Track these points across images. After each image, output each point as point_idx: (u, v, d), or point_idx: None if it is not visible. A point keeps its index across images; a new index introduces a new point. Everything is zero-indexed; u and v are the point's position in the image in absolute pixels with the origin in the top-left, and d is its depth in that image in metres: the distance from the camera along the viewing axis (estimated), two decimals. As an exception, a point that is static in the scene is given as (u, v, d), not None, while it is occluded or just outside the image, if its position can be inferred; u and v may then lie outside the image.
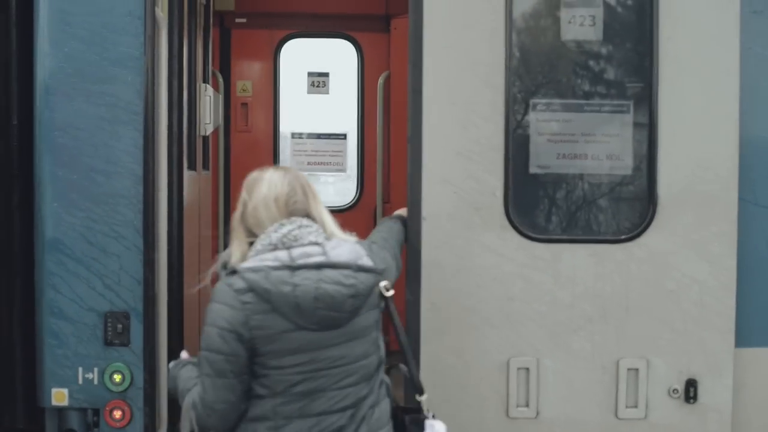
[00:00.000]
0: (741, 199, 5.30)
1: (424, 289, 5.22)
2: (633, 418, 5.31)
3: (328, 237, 4.47)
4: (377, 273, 4.45)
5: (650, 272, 5.26)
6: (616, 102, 5.32)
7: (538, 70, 5.29)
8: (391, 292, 4.47)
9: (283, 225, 4.43)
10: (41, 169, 5.35)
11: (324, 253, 4.39)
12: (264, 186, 4.47)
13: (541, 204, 5.33)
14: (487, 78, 5.20)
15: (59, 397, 5.38)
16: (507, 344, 5.27)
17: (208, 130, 7.99)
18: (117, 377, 5.35)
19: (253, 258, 4.37)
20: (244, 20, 9.32)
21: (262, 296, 4.29)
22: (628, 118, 5.32)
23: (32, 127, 5.39)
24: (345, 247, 4.45)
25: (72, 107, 5.32)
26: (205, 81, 7.96)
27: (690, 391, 5.28)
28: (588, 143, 5.31)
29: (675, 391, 5.31)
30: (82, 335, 5.36)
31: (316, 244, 4.42)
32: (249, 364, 4.33)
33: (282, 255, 4.37)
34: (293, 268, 4.34)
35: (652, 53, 5.25)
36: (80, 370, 5.38)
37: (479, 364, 5.26)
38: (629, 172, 5.33)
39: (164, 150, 5.82)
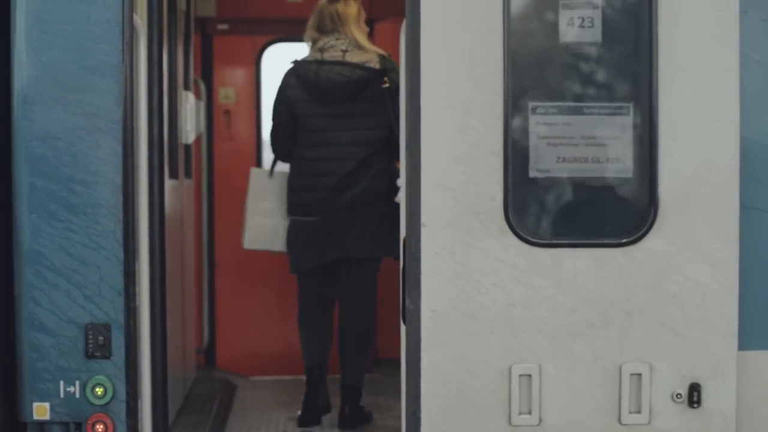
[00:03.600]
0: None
1: (425, 296, 5.20)
2: (637, 424, 5.30)
3: (354, 47, 7.18)
4: (370, 71, 7.10)
5: (652, 276, 5.26)
6: (615, 104, 5.31)
7: (536, 72, 5.29)
8: (386, 85, 7.04)
9: (322, 40, 7.22)
10: (19, 180, 5.30)
11: (343, 57, 7.17)
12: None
13: (541, 208, 5.31)
14: (485, 81, 5.19)
15: (41, 411, 5.33)
16: (508, 351, 5.25)
17: (190, 138, 7.94)
18: (99, 390, 5.30)
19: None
20: (225, 26, 9.29)
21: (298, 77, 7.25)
22: (628, 120, 5.31)
23: (10, 138, 5.32)
24: (359, 55, 7.16)
25: (50, 116, 5.28)
26: (186, 88, 7.91)
27: (693, 395, 5.27)
28: (588, 146, 5.30)
29: (678, 395, 5.30)
30: (63, 348, 5.31)
31: (343, 51, 7.19)
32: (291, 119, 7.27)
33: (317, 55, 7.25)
34: (320, 62, 7.18)
35: (651, 54, 5.24)
36: (62, 383, 5.33)
37: (481, 371, 5.24)
38: (630, 174, 5.32)
39: (144, 159, 5.78)
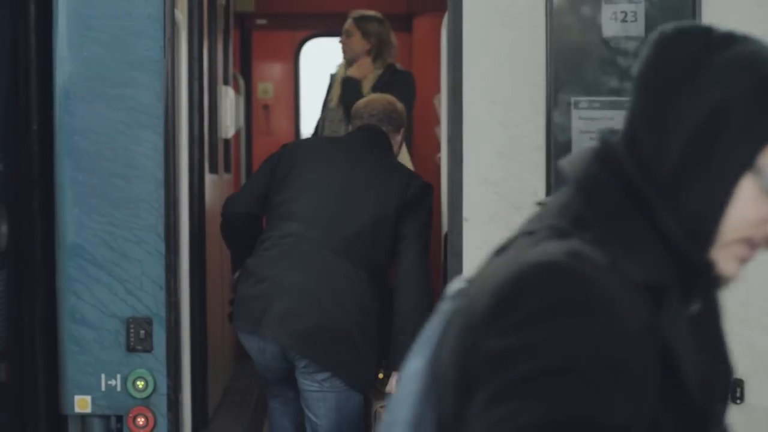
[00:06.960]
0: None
1: (466, 292, 5.16)
2: (679, 420, 5.24)
3: None
4: None
5: (695, 272, 5.18)
6: None
7: (579, 67, 5.23)
8: None
9: None
10: (61, 175, 5.28)
11: None
12: None
13: (583, 203, 5.23)
14: (527, 76, 5.14)
15: (82, 404, 5.30)
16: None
17: (230, 132, 7.95)
18: (140, 383, 5.27)
19: None
20: (264, 21, 9.27)
21: None
22: None
23: (52, 133, 5.32)
24: None
25: (91, 111, 5.24)
26: (225, 83, 7.92)
27: (736, 391, 5.20)
28: (630, 141, 5.24)
29: (721, 391, 5.24)
30: (104, 341, 5.28)
31: None
32: None
33: None
34: None
35: (694, 49, 5.17)
36: (103, 376, 5.30)
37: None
38: (671, 169, 5.25)
39: (185, 153, 5.77)
